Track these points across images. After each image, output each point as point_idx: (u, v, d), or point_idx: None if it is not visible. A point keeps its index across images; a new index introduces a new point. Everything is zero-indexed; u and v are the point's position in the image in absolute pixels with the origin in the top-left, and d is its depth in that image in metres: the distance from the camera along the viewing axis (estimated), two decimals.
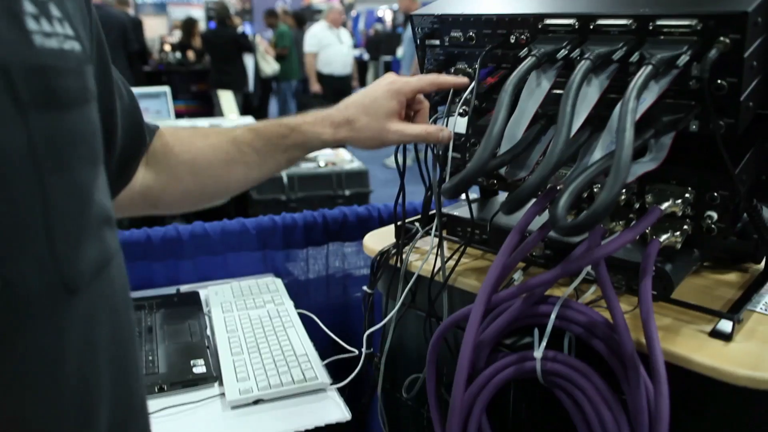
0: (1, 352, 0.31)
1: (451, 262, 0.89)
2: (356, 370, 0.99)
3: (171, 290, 1.34)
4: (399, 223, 0.96)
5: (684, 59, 0.61)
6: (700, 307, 0.73)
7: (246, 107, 6.16)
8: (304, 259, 1.48)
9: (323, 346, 1.16)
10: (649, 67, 0.61)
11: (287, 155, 0.80)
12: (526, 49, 0.73)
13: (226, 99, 4.24)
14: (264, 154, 0.79)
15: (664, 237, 0.72)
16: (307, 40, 6.14)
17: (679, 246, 0.72)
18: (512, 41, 0.80)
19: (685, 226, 0.73)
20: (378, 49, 9.55)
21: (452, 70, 0.90)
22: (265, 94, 7.03)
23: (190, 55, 6.94)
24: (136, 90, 4.20)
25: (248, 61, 6.26)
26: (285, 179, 3.24)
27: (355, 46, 9.06)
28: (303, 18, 7.21)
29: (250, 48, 6.22)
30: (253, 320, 1.18)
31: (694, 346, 0.67)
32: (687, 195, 0.72)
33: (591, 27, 0.71)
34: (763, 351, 0.66)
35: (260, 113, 6.62)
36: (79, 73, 0.36)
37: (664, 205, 0.70)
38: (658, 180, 0.74)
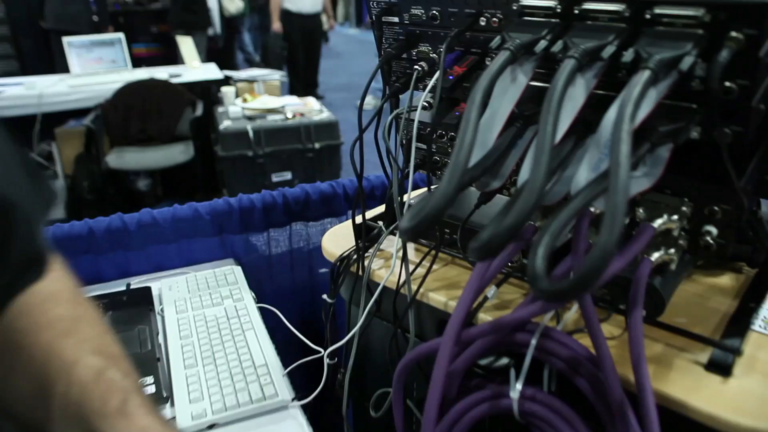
0: None
1: (421, 270, 0.80)
2: (320, 386, 0.91)
3: (121, 285, 1.24)
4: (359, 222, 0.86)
5: (688, 61, 0.50)
6: (695, 335, 0.65)
7: (211, 51, 5.82)
8: (265, 242, 1.37)
9: (288, 342, 1.08)
10: (647, 73, 0.49)
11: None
12: (498, 38, 0.61)
13: (186, 45, 3.97)
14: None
15: (656, 255, 0.62)
16: None
17: (674, 266, 0.64)
18: (482, 23, 0.67)
19: (681, 241, 0.64)
20: None
21: (414, 53, 0.77)
22: (231, 35, 6.66)
23: None
24: (87, 38, 3.81)
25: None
26: (251, 133, 3.07)
27: None
28: None
29: None
30: (209, 322, 1.09)
31: (690, 385, 0.59)
32: (684, 208, 0.62)
33: (576, 11, 0.59)
34: (766, 390, 0.58)
35: (226, 57, 6.28)
36: None
37: (658, 222, 0.61)
38: (651, 189, 0.64)
